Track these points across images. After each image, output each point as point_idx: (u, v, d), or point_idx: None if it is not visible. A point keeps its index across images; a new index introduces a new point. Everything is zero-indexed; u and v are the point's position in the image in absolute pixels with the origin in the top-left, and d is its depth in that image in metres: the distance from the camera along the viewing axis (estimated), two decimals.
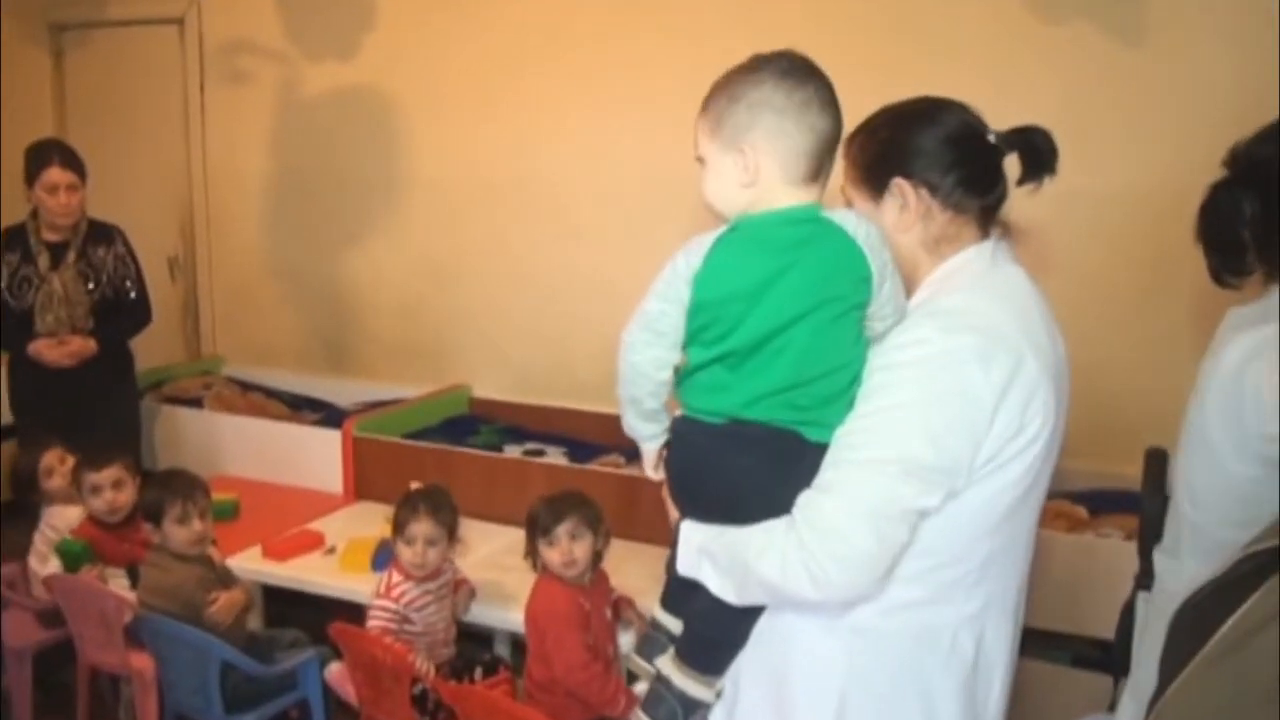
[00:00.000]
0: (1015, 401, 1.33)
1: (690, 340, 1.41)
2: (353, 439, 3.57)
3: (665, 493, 1.56)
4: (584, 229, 3.91)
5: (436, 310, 4.19)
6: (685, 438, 1.47)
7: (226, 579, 2.81)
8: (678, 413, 1.49)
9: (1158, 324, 3.10)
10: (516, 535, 2.92)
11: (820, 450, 1.36)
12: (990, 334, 1.34)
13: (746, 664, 1.51)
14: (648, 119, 3.72)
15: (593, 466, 3.38)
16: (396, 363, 4.27)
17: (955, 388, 1.32)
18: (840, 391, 1.36)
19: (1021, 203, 1.51)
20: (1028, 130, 1.46)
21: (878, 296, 1.38)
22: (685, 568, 1.46)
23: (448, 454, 3.47)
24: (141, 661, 2.78)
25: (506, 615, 2.73)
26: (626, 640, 2.59)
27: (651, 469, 1.57)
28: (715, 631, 1.50)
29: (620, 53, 3.75)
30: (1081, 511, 3.03)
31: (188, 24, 4.51)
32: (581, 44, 3.81)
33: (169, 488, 2.74)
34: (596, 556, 2.52)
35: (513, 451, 3.62)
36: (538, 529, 2.46)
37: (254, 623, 3.00)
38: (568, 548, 2.44)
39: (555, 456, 3.60)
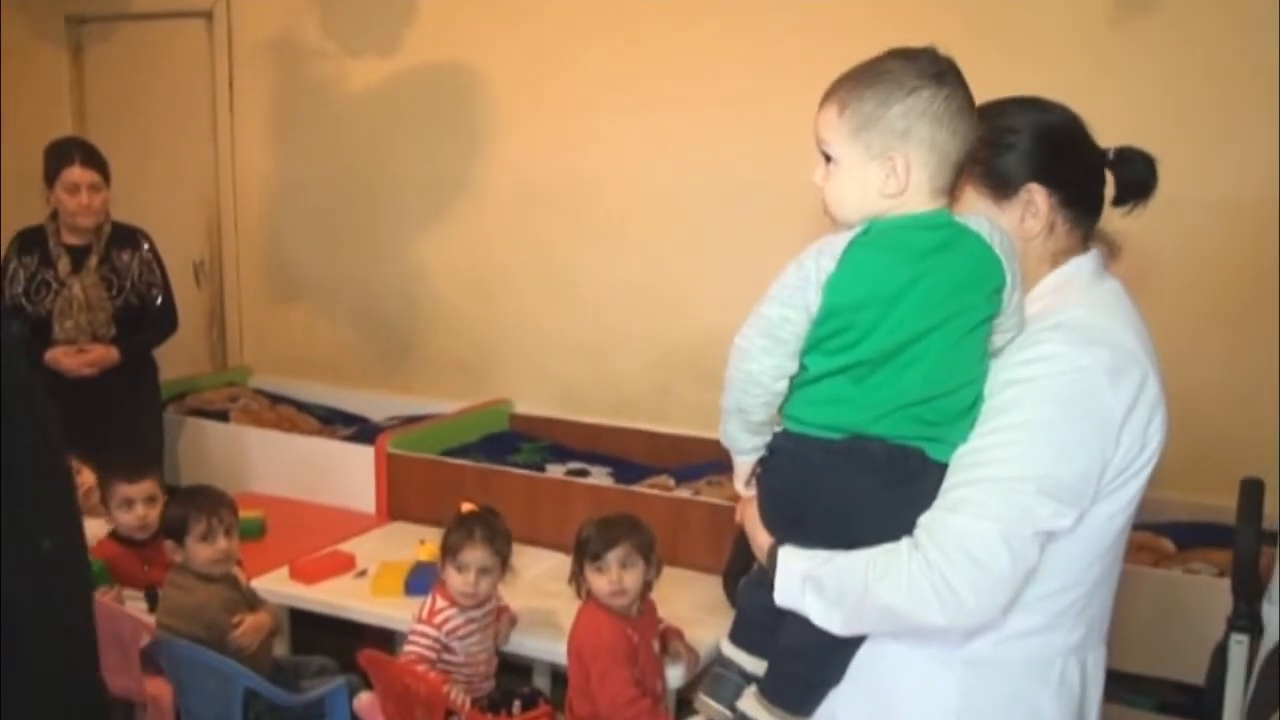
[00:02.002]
0: (1140, 419, 1.38)
1: (811, 348, 1.39)
2: (387, 456, 3.59)
3: (748, 513, 1.54)
4: (631, 238, 3.94)
5: (476, 321, 4.24)
6: (794, 455, 1.44)
7: (252, 601, 2.82)
8: (779, 427, 1.47)
9: (1255, 346, 3.05)
10: (558, 560, 2.94)
11: (941, 470, 1.37)
12: (1117, 349, 1.37)
13: (843, 701, 1.49)
14: (696, 125, 3.76)
15: (641, 488, 3.39)
16: (434, 376, 4.31)
17: (1086, 404, 1.34)
18: (967, 408, 1.37)
19: (1108, 212, 1.52)
20: (1131, 153, 1.49)
21: (1006, 307, 1.39)
22: (785, 598, 1.44)
23: (487, 473, 3.49)
24: (158, 688, 2.78)
25: (547, 645, 2.73)
26: (675, 674, 2.59)
27: (743, 485, 1.55)
28: (809, 667, 1.49)
29: (670, 58, 3.79)
30: (1168, 544, 3.00)
31: (216, 18, 4.58)
32: (630, 49, 3.85)
33: (194, 503, 2.75)
34: (646, 586, 2.52)
35: (555, 471, 3.65)
36: (586, 554, 2.46)
37: (280, 648, 3.01)
38: (618, 576, 2.44)
39: (600, 477, 3.62)
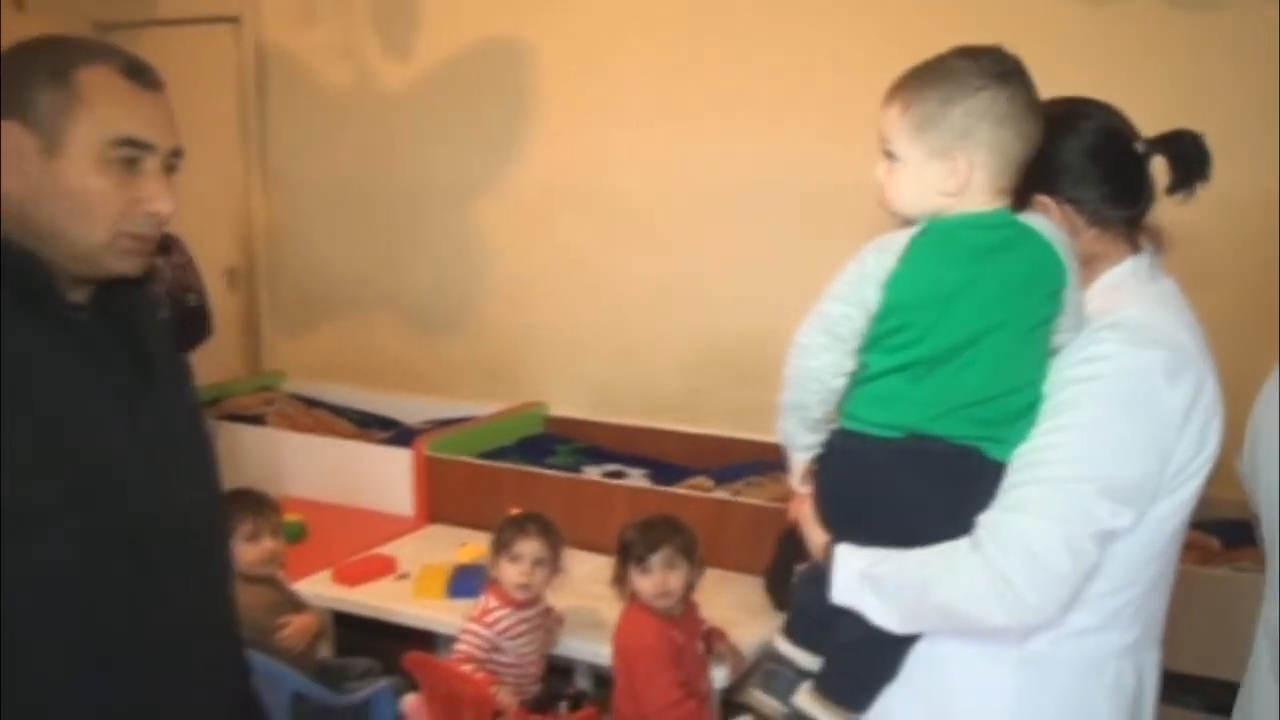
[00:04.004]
0: (1198, 418, 1.39)
1: (870, 346, 1.41)
2: (425, 459, 3.63)
3: (803, 511, 1.55)
4: (661, 239, 3.96)
5: (508, 324, 4.27)
6: (851, 453, 1.46)
7: (296, 603, 2.86)
8: (836, 425, 1.48)
9: None
10: (598, 562, 2.96)
11: (999, 469, 1.38)
12: (1175, 349, 1.39)
13: (899, 697, 1.51)
14: (725, 128, 3.78)
15: (680, 489, 3.41)
16: (467, 379, 4.35)
17: (1145, 404, 1.36)
18: (1026, 407, 1.38)
19: (1160, 208, 1.52)
20: (1176, 135, 1.47)
21: (1065, 308, 1.40)
22: (843, 595, 1.45)
23: (526, 475, 3.52)
24: None
25: (590, 646, 2.76)
26: (719, 675, 2.61)
27: (799, 482, 1.56)
28: (866, 664, 1.51)
29: (698, 61, 3.81)
30: (1215, 543, 3.00)
31: (244, 23, 4.62)
32: (657, 53, 3.88)
33: (238, 504, 2.77)
34: (689, 587, 2.54)
35: (592, 473, 3.68)
36: (630, 556, 2.49)
37: (324, 650, 3.05)
38: (662, 577, 2.47)
39: (637, 478, 3.65)
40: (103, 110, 1.27)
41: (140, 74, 1.33)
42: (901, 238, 1.39)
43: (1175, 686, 2.65)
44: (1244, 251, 3.12)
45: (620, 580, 2.55)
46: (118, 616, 1.31)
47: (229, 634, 1.51)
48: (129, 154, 1.30)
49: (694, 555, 2.54)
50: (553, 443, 3.99)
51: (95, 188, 1.27)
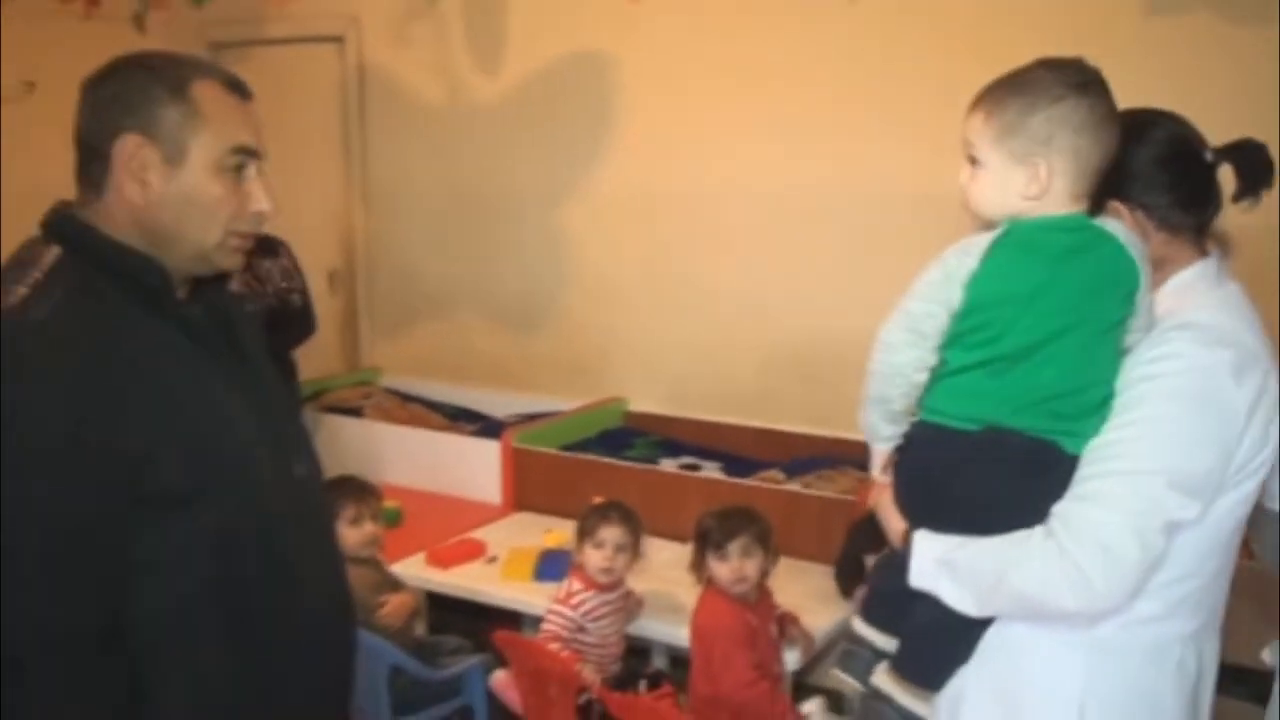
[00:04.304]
0: (1262, 417, 1.42)
1: (952, 343, 1.44)
2: (513, 450, 3.72)
3: (882, 499, 1.58)
4: (739, 245, 4.00)
5: (592, 323, 4.33)
6: (932, 444, 1.49)
7: (395, 583, 2.97)
8: (916, 418, 1.51)
9: None
10: (674, 549, 3.02)
11: (1073, 462, 1.41)
12: (1241, 349, 1.41)
13: (971, 678, 1.53)
14: (802, 142, 3.81)
15: (752, 482, 3.45)
16: (552, 375, 4.41)
17: (1212, 401, 1.39)
18: (1100, 403, 1.41)
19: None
20: (1243, 144, 1.50)
21: (1139, 308, 1.43)
22: (920, 579, 1.48)
23: (606, 466, 3.60)
24: None
25: (666, 628, 2.82)
26: (792, 658, 2.66)
27: (879, 471, 1.59)
28: (940, 645, 1.53)
29: (775, 77, 3.84)
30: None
31: (347, 42, 4.74)
32: (737, 68, 3.90)
33: (342, 490, 2.89)
34: (763, 574, 2.59)
35: (668, 465, 3.73)
36: (709, 544, 2.54)
37: (419, 628, 3.16)
38: (739, 565, 2.52)
39: (712, 471, 3.68)
40: (218, 122, 1.36)
41: (238, 87, 1.42)
42: (983, 240, 1.42)
43: (1223, 676, 2.65)
44: None
45: (698, 566, 2.59)
46: (252, 593, 1.38)
47: (349, 615, 1.57)
48: (240, 161, 1.38)
49: (769, 543, 2.58)
50: (631, 436, 4.05)
51: (214, 193, 1.36)
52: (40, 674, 1.24)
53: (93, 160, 1.35)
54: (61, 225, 1.38)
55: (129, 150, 1.33)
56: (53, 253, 1.36)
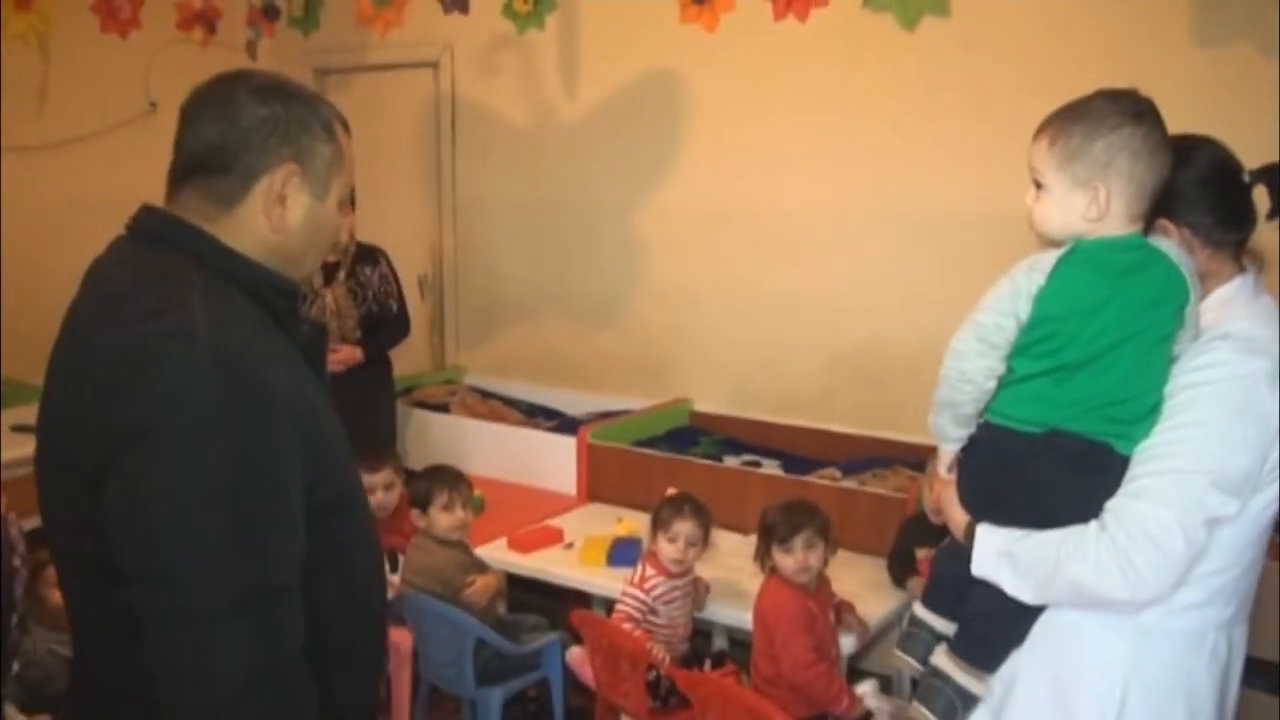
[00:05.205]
0: None
1: (1019, 352, 1.48)
2: (588, 445, 3.78)
3: (946, 495, 1.62)
4: (800, 254, 4.02)
5: (661, 328, 4.37)
6: (997, 444, 1.53)
7: (481, 565, 3.04)
8: (982, 420, 1.56)
9: None
10: (736, 540, 3.08)
11: (1124, 462, 1.46)
12: (1275, 359, 1.44)
13: (1025, 660, 1.57)
14: (863, 160, 3.83)
15: (811, 479, 3.47)
16: (623, 377, 4.45)
17: (1251, 407, 1.43)
18: (1151, 409, 1.45)
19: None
20: (1276, 166, 1.52)
21: (1188, 320, 1.46)
22: (981, 569, 1.53)
23: (674, 462, 3.64)
24: (399, 636, 3.00)
25: (729, 612, 2.86)
26: (848, 643, 2.69)
27: (945, 469, 1.63)
28: (996, 630, 1.58)
29: (837, 97, 3.85)
30: None
31: (441, 67, 4.82)
32: (802, 89, 3.92)
33: (437, 478, 2.98)
34: (823, 564, 2.62)
35: (731, 462, 3.76)
36: (774, 536, 2.58)
37: (501, 607, 3.21)
38: (803, 556, 2.55)
39: (772, 468, 3.71)
40: (348, 163, 1.38)
41: (348, 127, 1.40)
42: (1050, 257, 1.46)
43: (1247, 669, 2.62)
44: None
45: (762, 556, 2.63)
46: (374, 588, 1.43)
47: (386, 632, 1.57)
48: (350, 196, 1.43)
49: (829, 536, 2.61)
50: (697, 434, 4.08)
51: (336, 224, 1.39)
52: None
53: (230, 175, 1.28)
54: (190, 238, 1.28)
55: (283, 178, 1.30)
56: (173, 262, 1.26)
